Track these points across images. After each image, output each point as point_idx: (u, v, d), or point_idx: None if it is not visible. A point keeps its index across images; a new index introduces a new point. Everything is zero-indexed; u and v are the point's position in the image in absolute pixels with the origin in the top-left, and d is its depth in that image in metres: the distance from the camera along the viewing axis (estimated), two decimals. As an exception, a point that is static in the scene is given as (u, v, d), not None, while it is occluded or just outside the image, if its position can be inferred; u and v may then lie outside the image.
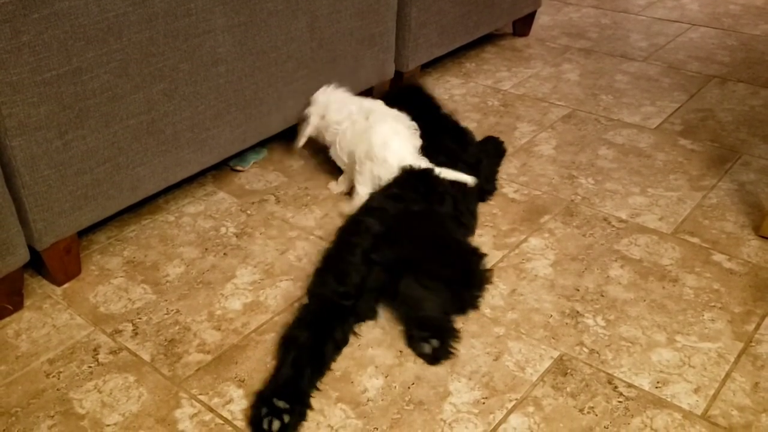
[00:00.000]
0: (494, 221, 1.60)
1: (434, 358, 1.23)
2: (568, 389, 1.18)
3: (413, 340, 1.26)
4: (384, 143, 1.52)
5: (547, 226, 1.59)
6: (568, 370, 1.22)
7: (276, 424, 1.08)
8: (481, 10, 2.25)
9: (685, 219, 1.61)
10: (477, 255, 1.37)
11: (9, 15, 1.13)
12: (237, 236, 1.56)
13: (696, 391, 1.18)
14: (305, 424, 1.12)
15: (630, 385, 1.19)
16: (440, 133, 1.66)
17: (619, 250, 1.51)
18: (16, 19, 1.14)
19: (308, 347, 1.19)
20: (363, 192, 1.56)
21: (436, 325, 1.26)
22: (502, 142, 1.84)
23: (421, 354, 1.24)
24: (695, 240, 1.54)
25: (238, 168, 1.80)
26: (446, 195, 1.44)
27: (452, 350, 1.24)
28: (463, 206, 1.48)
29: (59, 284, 1.42)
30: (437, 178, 1.48)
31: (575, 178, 1.76)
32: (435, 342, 1.22)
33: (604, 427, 1.12)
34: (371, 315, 1.31)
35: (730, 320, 1.32)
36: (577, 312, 1.34)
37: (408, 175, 1.48)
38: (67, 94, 1.26)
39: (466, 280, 1.33)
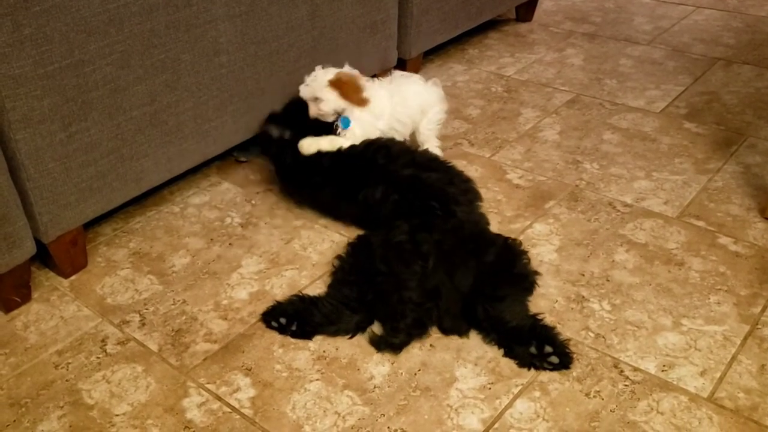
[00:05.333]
0: (499, 207, 1.60)
1: (563, 365, 1.20)
2: (574, 374, 1.18)
3: (532, 360, 1.20)
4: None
5: (552, 211, 1.59)
6: (574, 355, 1.22)
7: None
8: (483, -5, 2.24)
9: (691, 202, 1.60)
10: (510, 249, 1.35)
11: (10, 8, 1.13)
12: (242, 226, 1.57)
13: (702, 374, 1.18)
14: (313, 411, 1.13)
15: (636, 369, 1.19)
16: None
17: (625, 234, 1.51)
18: (18, 12, 1.14)
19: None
20: None
21: (542, 335, 1.21)
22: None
23: (545, 369, 1.20)
24: (701, 223, 1.53)
25: (242, 158, 1.80)
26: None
27: (569, 351, 1.21)
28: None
29: (66, 276, 1.42)
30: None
31: (580, 163, 1.76)
32: (555, 358, 1.19)
33: (611, 410, 1.12)
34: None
35: (736, 303, 1.32)
36: (583, 297, 1.34)
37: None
38: (69, 87, 1.26)
39: (521, 277, 1.32)
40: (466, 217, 1.42)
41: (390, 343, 1.24)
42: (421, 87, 1.70)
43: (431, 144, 1.72)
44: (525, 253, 1.36)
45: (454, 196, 1.44)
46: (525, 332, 1.22)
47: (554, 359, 1.19)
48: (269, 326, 1.29)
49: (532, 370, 1.19)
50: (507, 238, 1.36)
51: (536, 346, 1.19)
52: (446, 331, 1.27)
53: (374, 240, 1.37)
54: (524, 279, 1.32)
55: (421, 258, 1.27)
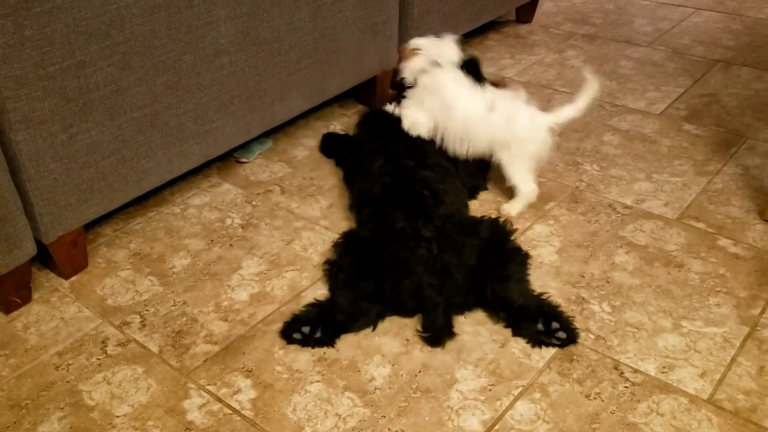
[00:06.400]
0: (499, 208, 1.60)
1: (570, 340, 1.24)
2: (575, 375, 1.19)
3: (540, 337, 1.24)
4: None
5: (552, 213, 1.59)
6: (574, 357, 1.22)
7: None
8: (483, -3, 2.24)
9: (690, 204, 1.60)
10: (501, 227, 1.38)
11: (11, 9, 1.13)
12: (242, 227, 1.57)
13: (702, 375, 1.18)
14: (313, 412, 1.13)
15: (636, 371, 1.19)
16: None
17: (625, 236, 1.51)
18: (19, 13, 1.14)
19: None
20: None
21: (549, 313, 1.25)
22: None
23: (553, 345, 1.24)
24: (700, 225, 1.53)
25: (243, 159, 1.80)
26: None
27: (576, 327, 1.25)
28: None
29: (67, 277, 1.42)
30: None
31: (580, 164, 1.76)
32: (562, 334, 1.23)
33: (611, 412, 1.12)
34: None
35: (735, 305, 1.32)
36: (583, 298, 1.35)
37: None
38: (70, 88, 1.26)
39: (516, 252, 1.36)
40: (455, 205, 1.45)
41: (441, 330, 1.25)
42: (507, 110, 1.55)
43: (518, 179, 1.56)
44: (514, 231, 1.41)
45: (444, 191, 1.45)
46: (532, 310, 1.26)
47: (561, 334, 1.23)
48: (291, 340, 1.25)
49: (533, 373, 1.19)
50: (495, 218, 1.40)
51: (543, 323, 1.23)
52: (456, 307, 1.28)
53: (366, 233, 1.38)
54: (519, 253, 1.36)
55: (425, 242, 1.28)
